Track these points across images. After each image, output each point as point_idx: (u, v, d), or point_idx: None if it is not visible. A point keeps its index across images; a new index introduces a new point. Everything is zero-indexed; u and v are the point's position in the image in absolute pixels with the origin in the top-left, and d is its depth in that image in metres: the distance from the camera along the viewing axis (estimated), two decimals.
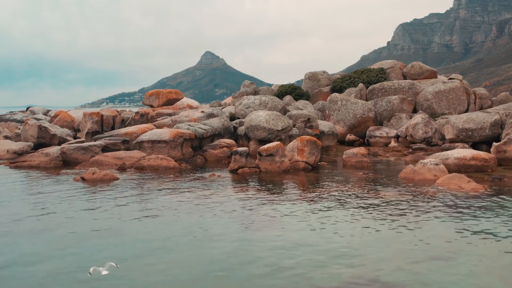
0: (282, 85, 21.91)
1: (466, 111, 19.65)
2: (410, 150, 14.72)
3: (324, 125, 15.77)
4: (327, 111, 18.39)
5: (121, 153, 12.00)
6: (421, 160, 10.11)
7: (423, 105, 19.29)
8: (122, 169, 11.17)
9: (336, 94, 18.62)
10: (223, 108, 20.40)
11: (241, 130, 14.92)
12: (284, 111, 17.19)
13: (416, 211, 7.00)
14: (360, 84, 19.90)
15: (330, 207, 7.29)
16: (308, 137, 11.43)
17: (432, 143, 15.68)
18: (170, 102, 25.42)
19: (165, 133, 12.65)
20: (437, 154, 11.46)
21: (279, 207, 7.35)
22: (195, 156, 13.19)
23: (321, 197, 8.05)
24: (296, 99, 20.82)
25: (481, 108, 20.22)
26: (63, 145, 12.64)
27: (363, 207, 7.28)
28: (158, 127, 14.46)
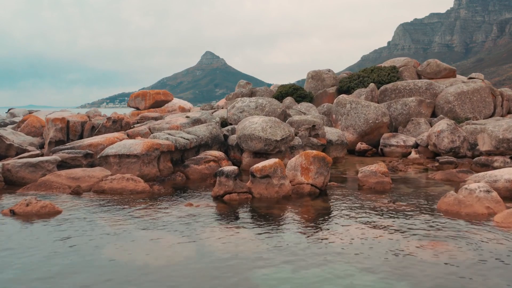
0: (282, 86, 19.42)
1: (492, 115, 17.17)
2: (436, 164, 12.23)
3: (332, 133, 13.28)
4: (333, 116, 15.89)
5: (78, 172, 9.47)
6: (465, 186, 7.59)
7: (443, 108, 16.81)
8: (76, 193, 8.67)
9: (344, 96, 16.12)
10: (215, 111, 17.92)
11: (233, 139, 12.44)
12: (284, 115, 14.70)
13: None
14: (371, 84, 17.40)
15: (353, 273, 4.79)
16: (314, 152, 8.92)
17: (460, 154, 13.19)
18: (158, 104, 22.92)
19: (136, 145, 10.16)
20: (480, 174, 8.93)
21: (277, 272, 4.86)
22: (175, 173, 10.71)
23: (340, 252, 5.52)
24: (298, 101, 18.33)
25: (510, 112, 17.74)
26: (7, 160, 10.14)
27: (403, 273, 4.79)
28: (131, 136, 11.96)
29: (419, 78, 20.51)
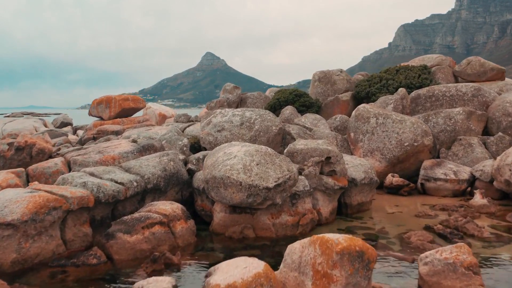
0: (281, 91, 14.82)
1: None
2: None
3: (354, 166, 8.67)
4: (352, 134, 11.33)
5: None
6: None
7: (500, 123, 12.23)
8: None
9: (366, 106, 11.53)
10: (191, 125, 13.36)
11: (201, 179, 7.88)
12: (282, 136, 10.16)
13: None
14: (400, 89, 12.80)
15: None
16: (341, 241, 4.28)
17: None
18: (126, 112, 18.33)
19: (15, 203, 5.65)
20: None
21: None
22: (92, 247, 6.19)
23: None
24: (302, 112, 13.80)
25: None
26: None
27: None
28: (32, 177, 7.40)
29: (456, 80, 15.99)
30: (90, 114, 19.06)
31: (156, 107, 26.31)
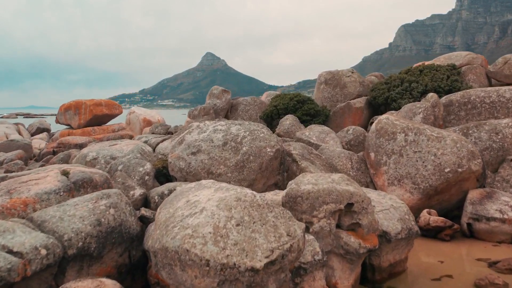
0: (279, 96, 12.06)
1: None
2: None
3: (384, 211, 6.00)
4: (371, 155, 8.64)
5: None
6: None
7: None
8: None
9: (390, 118, 8.81)
10: (166, 139, 10.63)
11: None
12: (281, 159, 7.48)
13: None
14: (431, 95, 10.10)
15: None
16: None
17: None
18: (99, 119, 15.66)
19: None
20: None
21: None
22: None
23: None
24: (305, 123, 11.13)
25: None
26: None
27: None
28: None
29: (490, 83, 13.33)
30: (57, 121, 16.40)
31: (140, 112, 23.61)
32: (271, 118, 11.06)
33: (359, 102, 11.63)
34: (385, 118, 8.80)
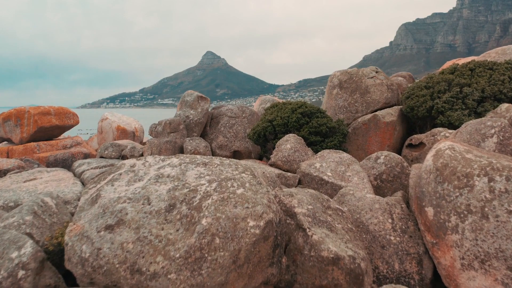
0: (277, 106, 8.42)
1: None
2: None
3: None
4: (429, 211, 5.21)
5: None
6: None
7: None
8: None
9: (458, 148, 5.40)
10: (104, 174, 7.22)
11: None
12: (275, 237, 4.01)
13: None
14: (506, 106, 6.70)
15: None
16: None
17: None
18: (46, 132, 12.16)
19: None
20: None
21: None
22: None
23: None
24: (314, 145, 7.66)
25: None
26: None
27: None
28: None
29: None
30: None
31: (113, 118, 20.04)
32: (264, 139, 7.63)
33: (390, 115, 8.17)
34: (449, 148, 5.33)
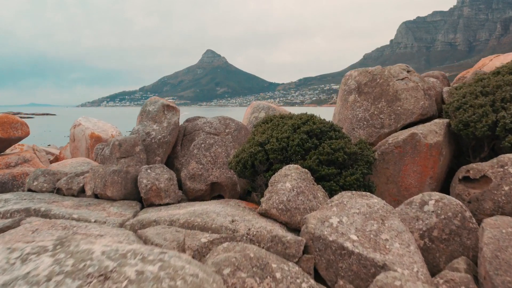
0: (272, 119, 5.94)
1: None
2: None
3: None
4: None
5: None
6: None
7: None
8: None
9: None
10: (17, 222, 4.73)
11: None
12: None
13: None
14: None
15: None
16: None
17: None
18: None
19: None
20: None
21: None
22: None
23: None
24: (326, 180, 5.15)
25: None
26: None
27: None
28: None
29: None
30: None
31: (88, 125, 17.44)
32: (251, 170, 5.14)
33: (434, 133, 5.62)
34: None
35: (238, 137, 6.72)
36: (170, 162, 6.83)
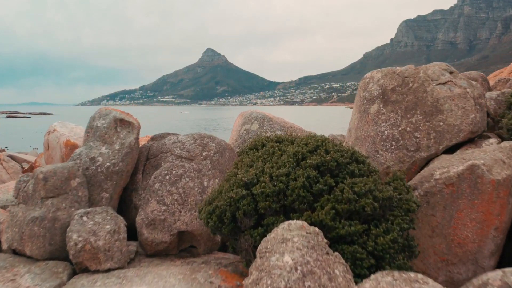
0: (263, 146, 4.23)
1: None
2: None
3: None
4: None
5: None
6: None
7: None
8: None
9: None
10: None
11: None
12: None
13: None
14: None
15: None
16: None
17: None
18: None
19: None
20: None
21: None
22: None
23: None
24: (349, 246, 3.33)
25: None
26: None
27: None
28: None
29: None
30: None
31: (63, 131, 15.44)
32: (232, 225, 3.34)
33: (501, 164, 3.79)
34: None
35: (220, 162, 4.89)
36: (127, 198, 5.00)
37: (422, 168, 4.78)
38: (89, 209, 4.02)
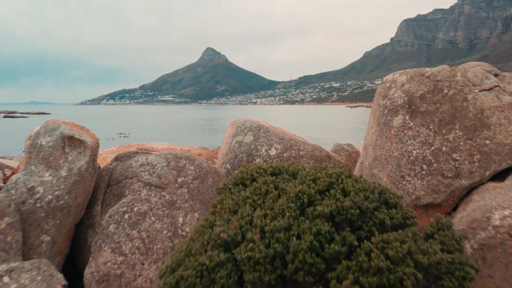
0: (253, 181, 3.24)
1: None
2: None
3: None
4: None
5: None
6: None
7: None
8: None
9: None
10: None
11: None
12: None
13: None
14: None
15: None
16: None
17: None
18: None
19: None
20: None
21: None
22: None
23: None
24: None
25: None
26: None
27: None
28: None
29: None
30: None
31: None
32: None
33: None
34: None
35: (201, 191, 3.77)
36: (81, 237, 3.88)
37: (461, 199, 3.67)
38: (14, 265, 2.91)
